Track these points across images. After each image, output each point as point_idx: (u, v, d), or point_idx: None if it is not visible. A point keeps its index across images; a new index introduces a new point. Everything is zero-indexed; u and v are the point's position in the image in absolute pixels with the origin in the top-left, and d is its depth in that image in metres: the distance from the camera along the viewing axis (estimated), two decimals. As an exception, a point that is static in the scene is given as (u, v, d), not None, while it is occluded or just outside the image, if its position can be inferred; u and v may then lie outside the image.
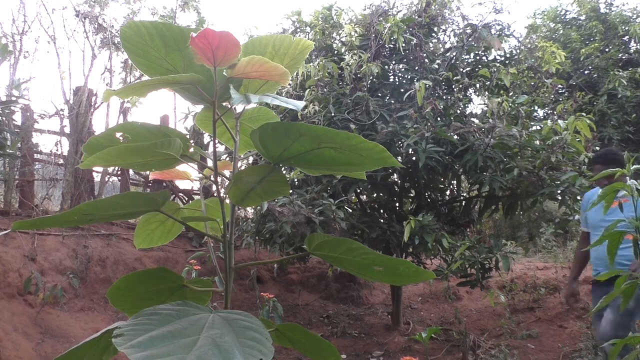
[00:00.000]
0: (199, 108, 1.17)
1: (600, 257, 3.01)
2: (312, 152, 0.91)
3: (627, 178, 2.66)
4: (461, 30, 5.97)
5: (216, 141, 1.08)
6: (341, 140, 0.87)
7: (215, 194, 1.04)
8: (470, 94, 5.97)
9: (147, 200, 0.94)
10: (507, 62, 6.08)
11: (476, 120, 5.28)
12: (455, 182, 5.95)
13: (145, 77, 1.07)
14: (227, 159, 1.16)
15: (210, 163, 1.12)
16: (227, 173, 1.09)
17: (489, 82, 5.50)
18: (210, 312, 0.79)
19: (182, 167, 1.12)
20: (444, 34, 6.37)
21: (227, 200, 1.04)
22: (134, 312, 1.00)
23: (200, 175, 1.17)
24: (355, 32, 5.63)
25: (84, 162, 0.90)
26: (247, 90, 1.08)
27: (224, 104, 1.06)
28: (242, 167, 1.44)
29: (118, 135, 0.99)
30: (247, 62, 0.92)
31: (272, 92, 1.10)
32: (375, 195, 6.10)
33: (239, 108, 1.07)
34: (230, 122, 1.08)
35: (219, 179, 1.02)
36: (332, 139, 0.87)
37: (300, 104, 0.91)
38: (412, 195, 6.20)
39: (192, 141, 1.06)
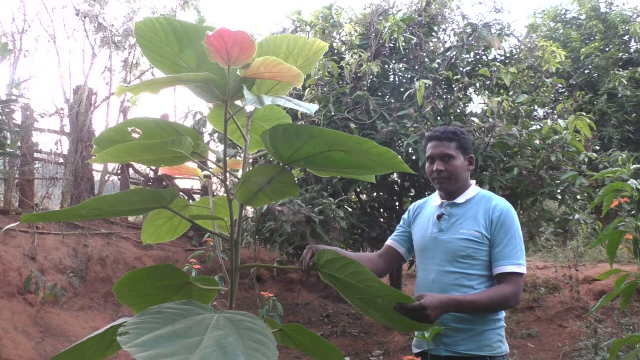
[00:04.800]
0: (199, 107, 1.17)
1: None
2: (322, 155, 0.91)
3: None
4: (461, 30, 5.97)
5: (227, 140, 1.07)
6: (353, 145, 0.87)
7: (215, 194, 1.04)
8: (470, 93, 5.97)
9: (155, 197, 0.94)
10: (507, 61, 6.07)
11: (476, 120, 5.27)
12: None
13: (149, 74, 1.07)
14: (241, 157, 1.16)
15: (212, 162, 1.11)
16: (235, 173, 1.08)
17: (489, 82, 5.49)
18: (214, 312, 0.79)
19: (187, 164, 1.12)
20: (444, 33, 6.37)
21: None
22: (140, 307, 1.00)
23: (209, 172, 1.18)
24: (355, 31, 5.63)
25: (96, 158, 0.90)
26: (259, 90, 1.08)
27: (235, 102, 1.06)
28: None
29: (129, 129, 0.98)
30: (260, 62, 0.91)
31: (284, 92, 1.10)
32: (375, 194, 6.10)
33: (251, 107, 1.07)
34: (241, 121, 1.08)
35: (224, 178, 1.01)
36: (343, 142, 0.87)
37: (313, 107, 0.89)
38: (412, 194, 6.20)
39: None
